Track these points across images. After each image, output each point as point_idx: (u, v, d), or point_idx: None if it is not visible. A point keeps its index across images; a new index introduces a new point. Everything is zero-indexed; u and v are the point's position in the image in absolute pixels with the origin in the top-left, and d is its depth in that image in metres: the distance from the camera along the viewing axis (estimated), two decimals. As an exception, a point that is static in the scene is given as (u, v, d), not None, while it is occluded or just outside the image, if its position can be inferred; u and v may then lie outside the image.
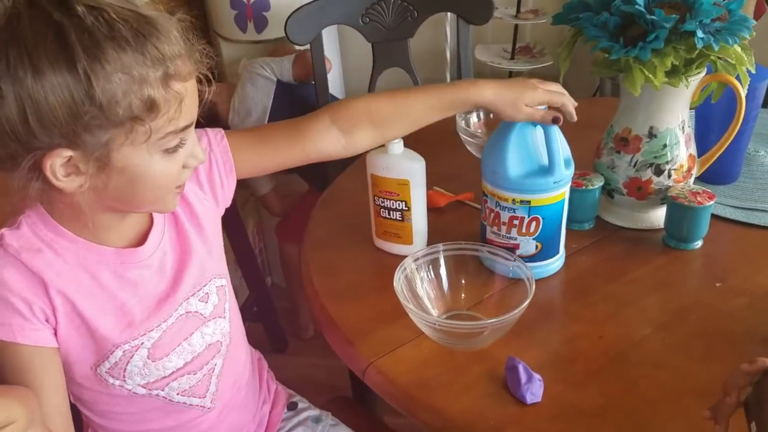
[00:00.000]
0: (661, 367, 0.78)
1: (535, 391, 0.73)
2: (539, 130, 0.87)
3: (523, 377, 0.73)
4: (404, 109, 0.89)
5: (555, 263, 0.94)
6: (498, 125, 0.90)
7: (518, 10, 2.04)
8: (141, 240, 0.75)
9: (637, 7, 0.84)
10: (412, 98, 0.90)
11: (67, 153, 0.61)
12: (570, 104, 0.87)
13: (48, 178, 0.62)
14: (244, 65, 1.79)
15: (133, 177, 0.66)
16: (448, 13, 1.99)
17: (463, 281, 0.88)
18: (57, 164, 0.62)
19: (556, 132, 0.86)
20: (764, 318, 0.85)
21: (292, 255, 1.89)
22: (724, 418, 0.65)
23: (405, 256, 0.87)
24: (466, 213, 1.09)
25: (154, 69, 0.61)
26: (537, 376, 0.74)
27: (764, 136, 1.23)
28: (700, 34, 0.83)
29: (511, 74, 2.08)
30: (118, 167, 0.64)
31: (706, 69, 0.92)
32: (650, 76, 0.85)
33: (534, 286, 0.79)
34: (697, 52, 0.85)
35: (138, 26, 0.61)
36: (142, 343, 0.74)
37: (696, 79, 0.91)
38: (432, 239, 0.98)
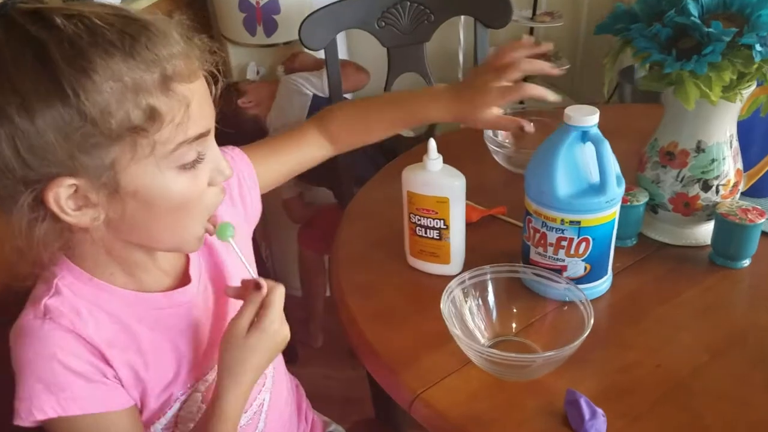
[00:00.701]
0: (723, 398, 0.74)
1: (599, 427, 0.69)
2: (589, 145, 0.83)
3: (587, 413, 0.69)
4: (375, 120, 0.94)
5: (603, 284, 0.90)
6: (543, 140, 0.86)
7: (534, 13, 2.00)
8: (180, 278, 0.69)
9: (692, 19, 0.80)
10: (383, 111, 0.94)
11: (70, 181, 0.55)
12: (538, 90, 0.84)
13: (56, 214, 0.56)
14: (284, 79, 1.77)
15: (148, 200, 0.58)
16: (462, 17, 1.95)
17: (511, 305, 0.84)
18: (62, 196, 0.55)
19: (607, 148, 0.82)
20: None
21: (312, 262, 1.86)
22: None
23: (442, 276, 0.83)
24: (500, 229, 1.05)
25: (149, 72, 0.54)
26: (600, 411, 0.70)
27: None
28: (758, 47, 0.79)
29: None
30: (130, 191, 0.57)
31: (756, 82, 0.88)
32: (706, 90, 0.81)
33: (592, 313, 0.76)
34: (755, 66, 0.81)
35: (124, 28, 0.54)
36: (197, 388, 0.69)
37: (748, 92, 0.87)
38: (468, 258, 0.94)
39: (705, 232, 0.98)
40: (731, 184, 0.94)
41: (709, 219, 0.96)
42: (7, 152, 0.53)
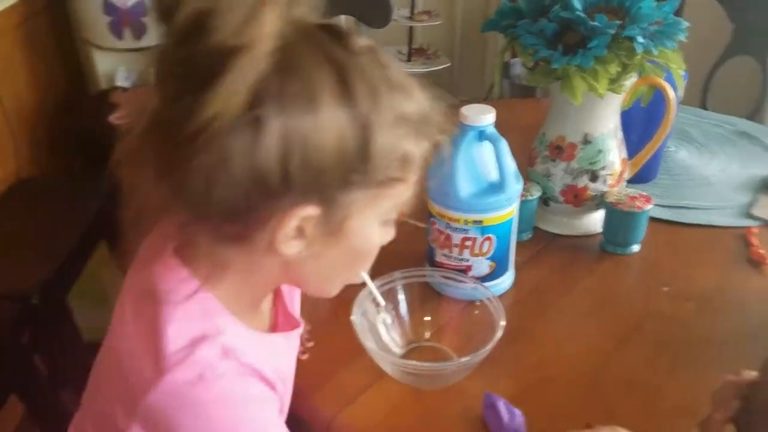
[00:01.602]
0: (634, 386, 0.76)
1: (518, 429, 0.68)
2: (486, 144, 0.82)
3: (505, 416, 0.68)
4: None
5: (507, 281, 0.90)
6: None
7: (412, 12, 2.00)
8: (269, 320, 0.65)
9: (578, 13, 0.82)
10: None
11: (315, 211, 0.49)
12: None
13: (275, 241, 0.50)
14: None
15: (353, 247, 0.55)
16: (343, 16, 1.92)
17: (423, 310, 0.82)
18: (290, 229, 0.50)
19: (505, 145, 0.82)
20: (717, 320, 0.85)
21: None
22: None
23: (348, 285, 0.79)
24: (405, 232, 1.03)
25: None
26: (518, 411, 0.69)
27: (675, 132, 1.27)
28: (640, 39, 0.81)
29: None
30: (346, 235, 0.53)
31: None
32: (594, 83, 0.83)
33: (503, 311, 0.75)
34: (637, 57, 0.83)
35: (401, 72, 0.52)
36: None
37: (629, 83, 0.90)
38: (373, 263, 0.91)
39: (595, 220, 1.01)
40: (618, 173, 0.97)
41: (598, 208, 0.99)
42: (274, 158, 0.46)
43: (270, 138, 0.45)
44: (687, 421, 0.64)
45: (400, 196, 0.55)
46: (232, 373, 0.52)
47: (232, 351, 0.53)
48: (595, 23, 0.80)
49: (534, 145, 1.00)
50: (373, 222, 0.55)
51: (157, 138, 0.48)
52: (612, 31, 0.80)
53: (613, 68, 0.82)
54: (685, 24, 0.84)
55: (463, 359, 0.72)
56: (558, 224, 1.02)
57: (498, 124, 0.82)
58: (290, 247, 0.51)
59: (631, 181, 1.09)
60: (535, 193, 0.98)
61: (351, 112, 0.48)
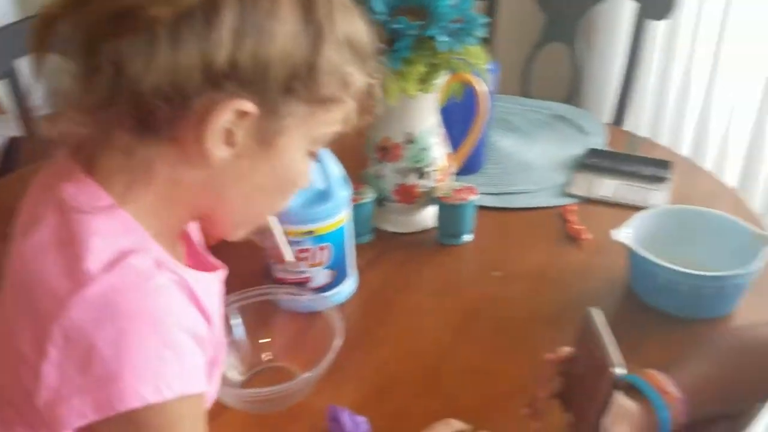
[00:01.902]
0: (473, 373, 0.79)
1: (364, 436, 0.68)
2: (307, 154, 0.82)
3: (349, 426, 0.68)
4: None
5: (349, 286, 0.90)
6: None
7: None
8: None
9: (379, 15, 0.83)
10: None
11: (249, 107, 0.48)
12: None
13: (203, 137, 0.48)
14: None
15: (279, 169, 0.54)
16: None
17: (263, 329, 0.80)
18: (223, 121, 0.48)
19: (328, 153, 0.82)
20: (544, 298, 0.90)
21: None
22: (540, 413, 0.67)
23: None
24: (238, 248, 1.00)
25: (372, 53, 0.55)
26: (361, 419, 0.70)
27: (492, 121, 1.33)
28: (442, 38, 0.84)
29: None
30: (276, 151, 0.52)
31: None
32: (404, 85, 0.85)
33: (341, 321, 0.75)
34: (442, 55, 0.86)
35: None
36: None
37: (441, 81, 0.93)
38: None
39: (429, 215, 1.04)
40: (443, 168, 1.00)
41: (430, 203, 1.02)
42: (227, 43, 0.46)
43: (226, 23, 0.46)
44: (522, 401, 0.68)
45: (332, 124, 0.55)
46: (169, 287, 0.50)
47: (165, 264, 0.50)
48: (397, 25, 0.82)
49: (365, 149, 1.01)
50: (301, 146, 0.55)
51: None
52: (414, 32, 0.82)
53: (420, 68, 0.84)
54: (484, 20, 0.88)
55: (303, 376, 0.71)
56: (395, 223, 1.04)
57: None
58: (218, 149, 0.49)
59: (460, 174, 1.13)
60: (370, 196, 0.99)
61: (307, 18, 0.50)
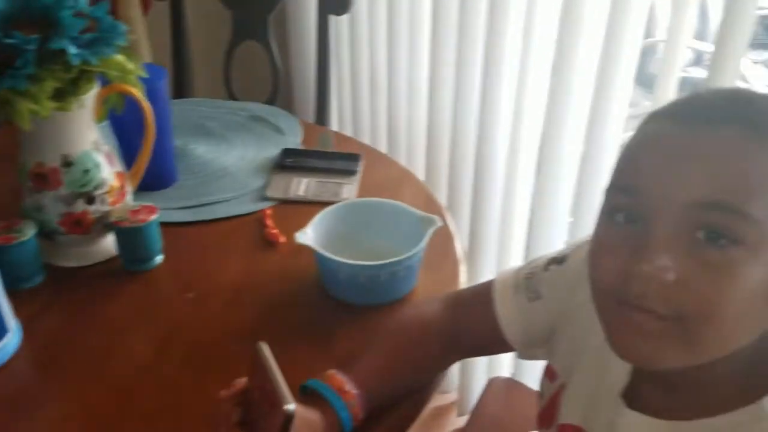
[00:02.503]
0: (162, 410, 0.72)
1: None
2: None
3: None
4: None
5: (8, 344, 0.77)
6: None
7: None
8: None
9: (-12, 30, 0.71)
10: None
11: None
12: None
13: None
14: None
15: None
16: None
17: None
18: None
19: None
20: (240, 312, 0.86)
21: None
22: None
23: None
24: None
25: None
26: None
27: (187, 128, 1.26)
28: (72, 50, 0.75)
29: None
30: None
31: (99, 82, 0.85)
32: (34, 106, 0.74)
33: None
34: (76, 69, 0.77)
35: None
36: None
37: (89, 95, 0.84)
38: None
39: (111, 243, 0.94)
40: (116, 189, 0.91)
41: (107, 230, 0.92)
42: None
43: None
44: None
45: None
46: None
47: None
48: (12, 41, 0.71)
49: (18, 179, 0.88)
50: None
51: None
52: (33, 47, 0.72)
53: (50, 85, 0.74)
54: (123, 28, 0.80)
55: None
56: (71, 257, 0.93)
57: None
58: None
59: (148, 190, 1.04)
60: (29, 232, 0.86)
61: None
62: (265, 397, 0.58)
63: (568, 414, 0.63)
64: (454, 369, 1.61)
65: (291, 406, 0.55)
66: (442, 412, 1.65)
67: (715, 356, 0.47)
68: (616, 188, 0.49)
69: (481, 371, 1.51)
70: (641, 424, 0.54)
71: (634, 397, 0.56)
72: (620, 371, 0.57)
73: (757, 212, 0.43)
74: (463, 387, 1.57)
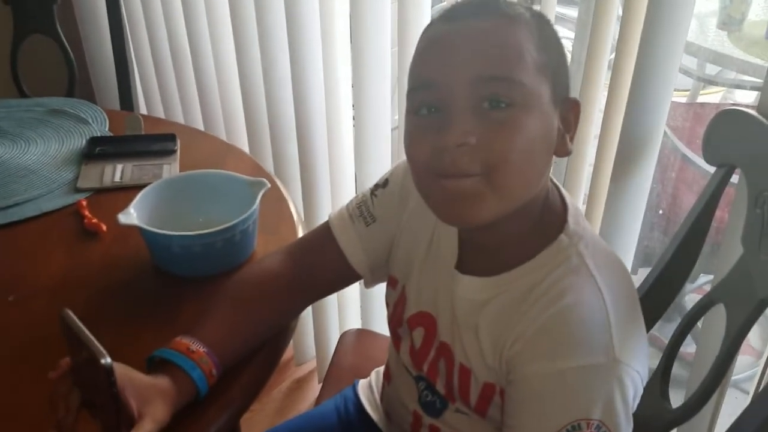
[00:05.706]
0: (20, 408, 0.68)
1: None
2: None
3: None
4: None
5: None
6: None
7: None
8: None
9: None
10: None
11: None
12: None
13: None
14: None
15: None
16: None
17: None
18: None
19: None
20: (71, 307, 0.81)
21: None
22: (70, 429, 0.60)
23: None
24: None
25: None
26: None
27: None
28: None
29: None
30: None
31: None
32: None
33: None
34: None
35: None
36: None
37: None
38: None
39: None
40: None
41: None
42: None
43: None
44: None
45: None
46: None
47: None
48: None
49: None
50: None
51: None
52: None
53: None
54: None
55: None
56: None
57: None
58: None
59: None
60: None
61: None
62: (88, 365, 0.56)
63: (412, 306, 0.71)
64: (309, 338, 1.64)
65: (107, 359, 0.54)
66: (302, 382, 1.67)
67: (519, 201, 0.58)
68: (414, 89, 0.58)
69: (335, 334, 1.55)
70: (471, 282, 0.64)
71: (463, 266, 0.66)
72: (450, 249, 0.67)
73: (522, 77, 0.55)
74: (320, 353, 1.60)
